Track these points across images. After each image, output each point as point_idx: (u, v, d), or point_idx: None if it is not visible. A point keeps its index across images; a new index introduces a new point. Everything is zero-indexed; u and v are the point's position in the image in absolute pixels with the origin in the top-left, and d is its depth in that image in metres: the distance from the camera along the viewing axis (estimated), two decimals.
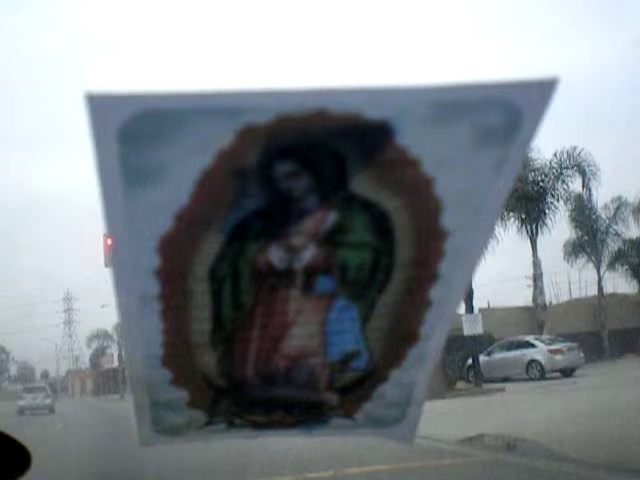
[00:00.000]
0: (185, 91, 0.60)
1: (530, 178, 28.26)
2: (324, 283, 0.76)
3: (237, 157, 0.64)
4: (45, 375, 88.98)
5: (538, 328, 29.20)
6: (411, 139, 0.65)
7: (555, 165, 29.04)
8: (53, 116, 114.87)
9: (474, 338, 21.90)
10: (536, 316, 30.02)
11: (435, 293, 0.77)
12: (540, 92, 0.63)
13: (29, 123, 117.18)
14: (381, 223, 0.72)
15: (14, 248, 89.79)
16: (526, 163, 27.36)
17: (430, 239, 0.73)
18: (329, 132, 0.64)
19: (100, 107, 0.60)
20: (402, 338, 0.82)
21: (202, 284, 0.74)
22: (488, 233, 0.74)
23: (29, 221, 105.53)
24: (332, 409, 0.91)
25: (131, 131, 0.61)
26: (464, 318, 20.94)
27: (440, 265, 0.75)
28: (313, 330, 0.80)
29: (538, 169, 28.80)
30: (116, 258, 0.70)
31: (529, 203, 28.14)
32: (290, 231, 0.71)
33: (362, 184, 0.68)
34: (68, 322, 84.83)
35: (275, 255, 0.73)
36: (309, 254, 0.73)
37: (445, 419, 11.80)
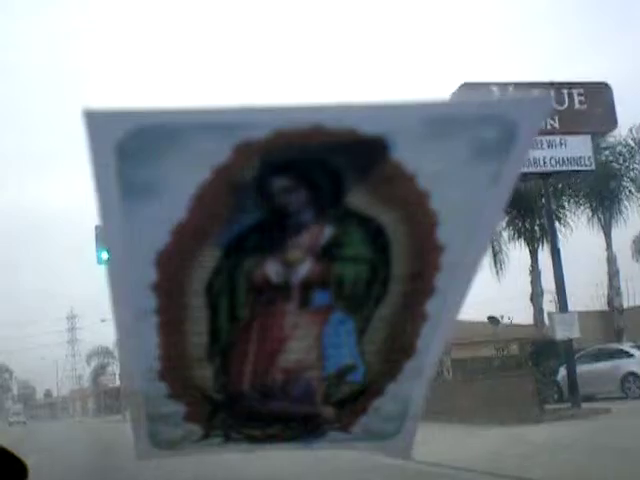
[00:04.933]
0: (183, 107, 0.61)
1: (602, 158, 23.45)
2: (320, 297, 0.76)
3: (234, 172, 0.65)
4: (48, 394, 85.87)
5: (615, 335, 24.11)
6: (406, 154, 0.65)
7: (631, 142, 24.30)
8: (52, 133, 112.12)
9: (568, 343, 16.35)
10: (613, 321, 24.85)
11: (431, 306, 0.77)
12: (535, 108, 0.64)
13: (29, 140, 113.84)
14: (377, 237, 0.72)
15: (15, 265, 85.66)
16: (599, 142, 22.57)
17: (426, 253, 0.73)
18: (325, 148, 0.65)
19: (98, 123, 0.60)
20: (398, 351, 0.82)
21: (199, 298, 0.74)
22: (484, 247, 0.75)
23: (30, 237, 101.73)
24: (329, 422, 0.91)
25: (129, 146, 0.61)
26: (556, 318, 15.77)
27: (436, 279, 0.75)
28: (309, 344, 0.80)
29: (610, 147, 24.10)
30: (113, 272, 0.71)
31: (603, 186, 23.34)
32: (287, 245, 0.72)
33: (358, 199, 0.69)
34: (71, 341, 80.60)
35: (272, 269, 0.73)
36: (306, 268, 0.73)
37: (569, 454, 8.40)
